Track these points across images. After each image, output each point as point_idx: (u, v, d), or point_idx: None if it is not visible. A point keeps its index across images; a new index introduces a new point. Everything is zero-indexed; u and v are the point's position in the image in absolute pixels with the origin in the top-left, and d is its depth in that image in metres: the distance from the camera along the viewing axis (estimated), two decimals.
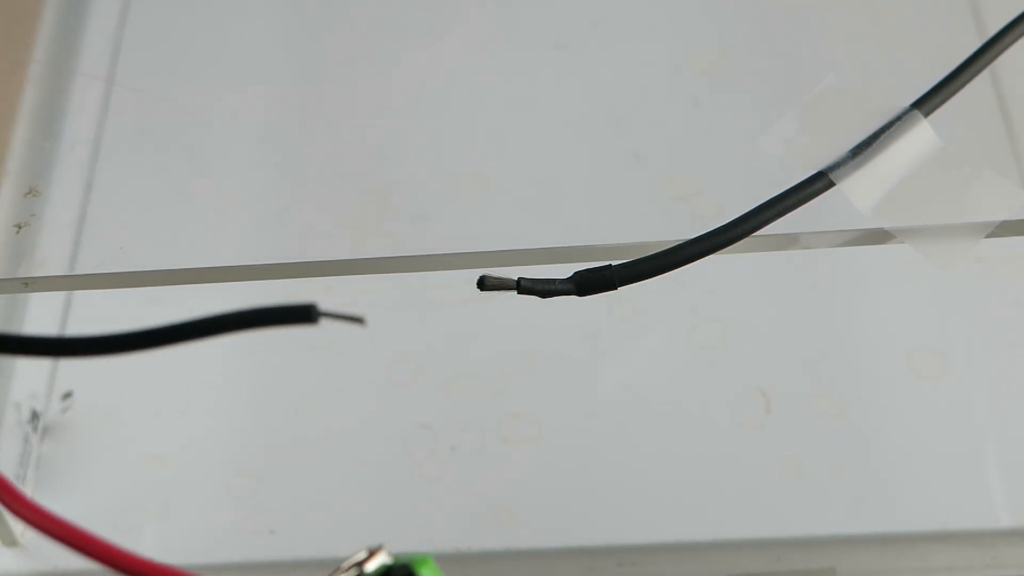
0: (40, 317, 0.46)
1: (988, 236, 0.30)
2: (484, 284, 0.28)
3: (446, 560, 0.22)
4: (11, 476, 0.42)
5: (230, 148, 0.37)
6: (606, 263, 0.29)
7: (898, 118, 0.31)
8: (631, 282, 0.29)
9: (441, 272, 0.33)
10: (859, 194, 0.30)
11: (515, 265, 0.32)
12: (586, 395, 0.45)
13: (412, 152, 0.36)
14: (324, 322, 0.19)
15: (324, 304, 0.19)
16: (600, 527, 0.42)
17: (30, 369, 0.45)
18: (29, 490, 0.43)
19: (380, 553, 0.19)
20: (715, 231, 0.29)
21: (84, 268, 0.33)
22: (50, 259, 0.33)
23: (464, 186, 0.35)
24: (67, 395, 0.45)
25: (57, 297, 0.47)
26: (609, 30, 0.39)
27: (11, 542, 0.42)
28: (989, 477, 0.42)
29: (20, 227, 0.34)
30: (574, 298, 0.29)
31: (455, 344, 0.46)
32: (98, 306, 0.47)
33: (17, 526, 0.42)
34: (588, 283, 0.29)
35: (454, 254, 0.32)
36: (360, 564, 0.19)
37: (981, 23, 0.37)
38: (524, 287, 0.28)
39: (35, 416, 0.44)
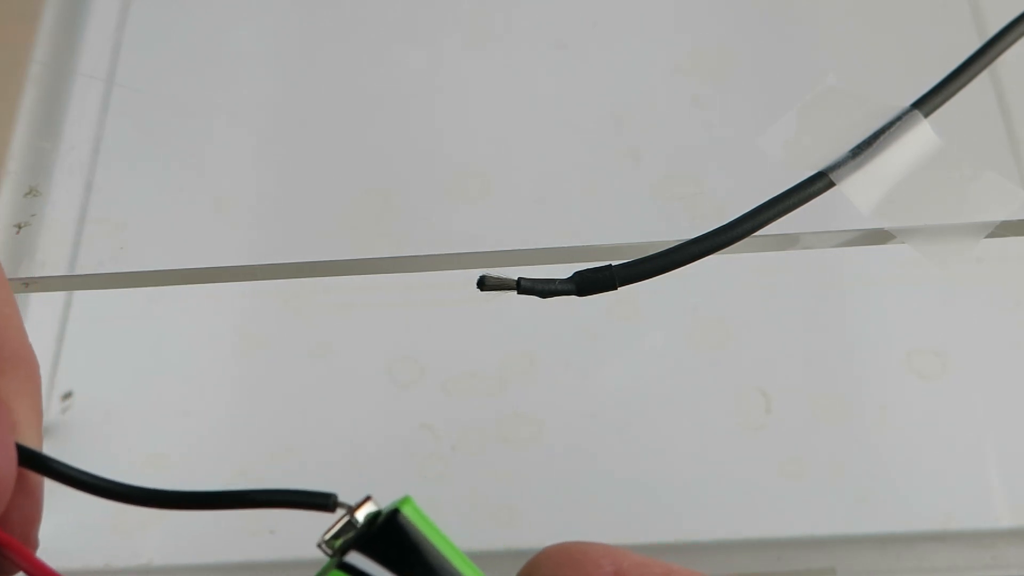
0: (40, 317, 0.46)
1: (988, 236, 0.30)
2: (484, 284, 0.28)
3: None
4: None
5: (230, 148, 0.36)
6: (606, 263, 0.29)
7: (898, 118, 0.31)
8: (631, 282, 0.29)
9: (441, 272, 0.33)
10: (859, 194, 0.30)
11: (515, 265, 0.32)
12: (586, 395, 0.45)
13: (412, 152, 0.36)
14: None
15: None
16: (600, 527, 0.42)
17: None
18: None
19: (367, 503, 0.21)
20: (715, 231, 0.29)
21: (84, 268, 0.33)
22: (50, 259, 0.33)
23: (464, 186, 0.35)
24: (67, 395, 0.46)
25: (57, 297, 0.47)
26: (609, 30, 0.39)
27: None
28: (989, 477, 0.42)
29: (20, 227, 0.34)
30: (574, 298, 0.29)
31: (455, 344, 0.46)
32: (98, 306, 0.47)
33: None
34: (588, 283, 0.29)
35: (454, 254, 0.32)
36: (351, 513, 0.20)
37: (981, 23, 0.37)
38: (524, 287, 0.28)
39: None
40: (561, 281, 0.29)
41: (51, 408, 0.45)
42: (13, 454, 0.21)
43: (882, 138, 0.30)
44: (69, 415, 0.45)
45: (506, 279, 0.28)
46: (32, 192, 0.35)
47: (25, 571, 0.21)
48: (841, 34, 0.38)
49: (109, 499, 0.23)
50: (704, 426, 0.44)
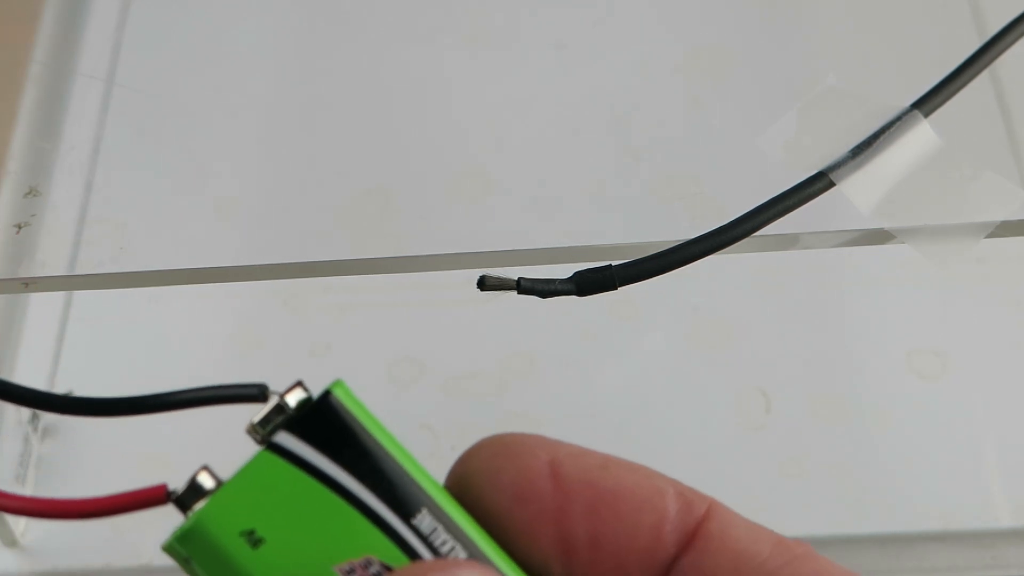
0: (40, 317, 0.46)
1: (988, 236, 0.30)
2: (484, 284, 0.28)
3: None
4: (11, 476, 0.42)
5: (230, 148, 0.36)
6: (606, 263, 0.29)
7: (898, 118, 0.31)
8: (631, 282, 0.29)
9: (441, 272, 0.33)
10: (859, 194, 0.30)
11: (515, 265, 0.32)
12: (586, 395, 0.45)
13: (412, 152, 0.36)
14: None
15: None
16: None
17: (30, 369, 0.45)
18: (29, 490, 0.43)
19: (297, 388, 0.20)
20: (715, 231, 0.29)
21: (84, 268, 0.33)
22: (50, 259, 0.33)
23: (464, 186, 0.35)
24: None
25: (57, 297, 0.47)
26: (609, 30, 0.39)
27: (11, 542, 0.42)
28: (989, 477, 0.42)
29: (20, 227, 0.34)
30: (574, 298, 0.29)
31: (455, 344, 0.46)
32: (98, 306, 0.47)
33: (17, 526, 0.42)
34: (588, 283, 0.29)
35: (454, 254, 0.32)
36: (282, 397, 0.20)
37: (981, 23, 0.37)
38: (524, 287, 0.28)
39: (35, 416, 0.44)
40: (561, 281, 0.29)
41: None
42: None
43: (882, 138, 0.30)
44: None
45: (506, 279, 0.28)
46: (32, 192, 0.35)
47: None
48: (841, 34, 0.38)
49: (14, 402, 0.23)
50: (704, 426, 0.44)
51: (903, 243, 0.30)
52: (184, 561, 0.19)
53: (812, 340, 0.46)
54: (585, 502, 0.19)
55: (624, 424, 0.44)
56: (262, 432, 0.20)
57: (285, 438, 0.19)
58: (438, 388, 0.45)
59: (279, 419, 0.20)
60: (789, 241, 0.31)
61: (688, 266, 0.29)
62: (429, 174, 0.35)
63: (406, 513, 0.19)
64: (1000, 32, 0.32)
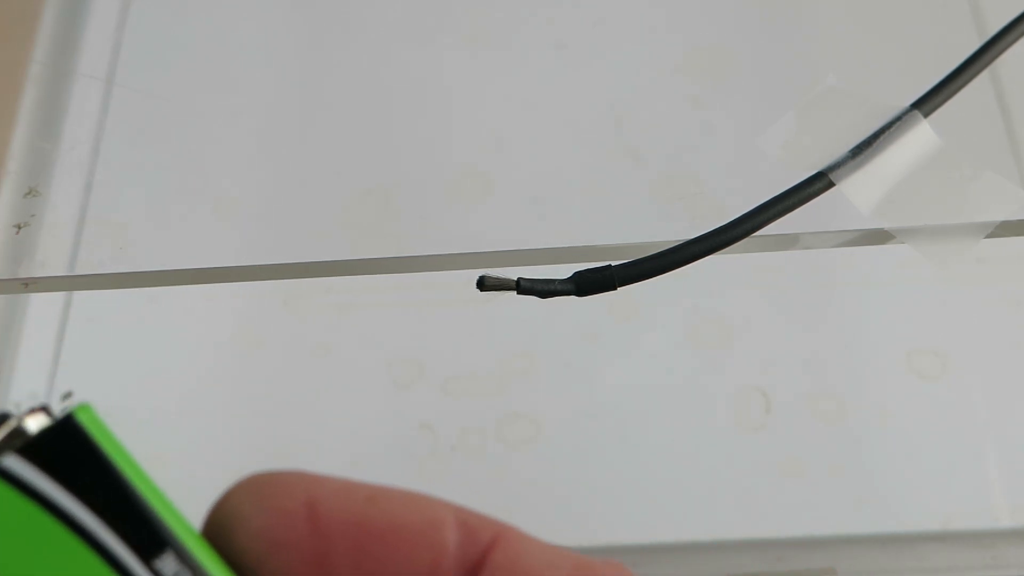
0: (40, 317, 0.46)
1: (988, 236, 0.30)
2: (484, 284, 0.28)
3: None
4: None
5: (230, 148, 0.36)
6: (606, 263, 0.29)
7: (898, 118, 0.31)
8: (631, 282, 0.29)
9: (441, 272, 0.33)
10: (859, 194, 0.30)
11: (515, 265, 0.32)
12: (586, 395, 0.45)
13: (412, 152, 0.36)
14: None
15: None
16: (600, 527, 0.42)
17: (30, 369, 0.45)
18: None
19: (40, 413, 0.18)
20: (715, 231, 0.29)
21: (84, 268, 0.33)
22: (50, 259, 0.33)
23: (464, 186, 0.35)
24: (67, 395, 0.45)
25: (57, 297, 0.47)
26: (609, 30, 0.39)
27: None
28: (989, 477, 0.42)
29: (20, 227, 0.34)
30: (574, 298, 0.29)
31: (455, 344, 0.46)
32: (98, 306, 0.47)
33: None
34: (588, 283, 0.29)
35: (454, 254, 0.32)
36: (20, 420, 0.18)
37: (981, 23, 0.37)
38: (524, 287, 0.28)
39: None
40: (561, 281, 0.29)
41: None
42: None
43: (882, 138, 0.30)
44: None
45: (506, 279, 0.28)
46: (32, 192, 0.35)
47: None
48: (841, 34, 0.38)
49: None
50: (704, 426, 0.44)
51: (903, 243, 0.30)
52: None
53: (812, 340, 0.46)
54: (349, 543, 0.17)
55: (624, 424, 0.44)
56: None
57: (13, 462, 0.17)
58: (438, 388, 0.45)
59: (15, 444, 0.18)
60: (789, 241, 0.31)
61: (688, 266, 0.29)
62: (429, 174, 0.35)
63: (147, 554, 0.17)
64: (1000, 32, 0.32)
